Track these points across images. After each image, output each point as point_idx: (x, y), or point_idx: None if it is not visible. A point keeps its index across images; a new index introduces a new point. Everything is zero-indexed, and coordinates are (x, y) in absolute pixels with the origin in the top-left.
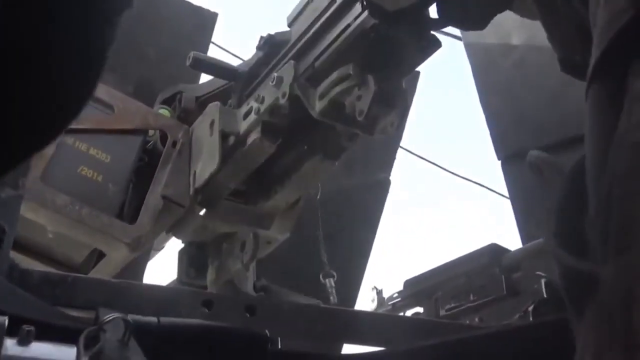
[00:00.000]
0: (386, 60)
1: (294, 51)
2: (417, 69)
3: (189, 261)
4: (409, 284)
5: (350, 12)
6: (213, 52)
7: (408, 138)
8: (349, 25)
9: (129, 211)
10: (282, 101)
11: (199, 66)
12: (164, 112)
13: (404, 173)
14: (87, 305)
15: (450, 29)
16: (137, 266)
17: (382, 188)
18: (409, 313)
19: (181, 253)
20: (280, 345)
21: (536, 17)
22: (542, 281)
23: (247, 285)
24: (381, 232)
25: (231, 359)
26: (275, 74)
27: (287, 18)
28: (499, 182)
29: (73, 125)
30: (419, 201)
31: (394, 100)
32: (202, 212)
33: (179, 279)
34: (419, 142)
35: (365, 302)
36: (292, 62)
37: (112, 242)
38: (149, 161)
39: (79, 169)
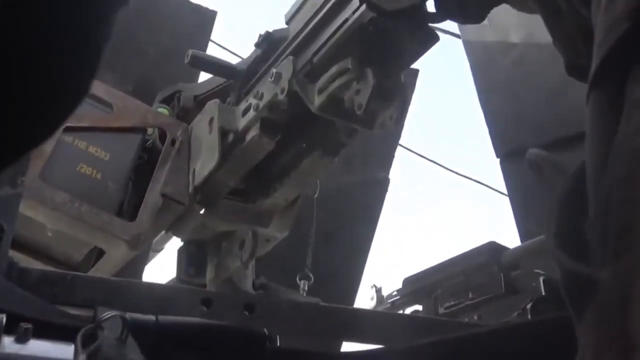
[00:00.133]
0: (384, 53)
1: (292, 47)
2: (416, 66)
3: (188, 259)
4: (408, 282)
5: (348, 7)
6: (212, 51)
7: (407, 136)
8: (346, 20)
9: (128, 209)
10: (281, 97)
11: (197, 64)
12: (163, 110)
13: (403, 171)
14: (86, 303)
15: (449, 27)
16: (136, 266)
17: (381, 186)
18: (408, 311)
19: (180, 251)
20: (279, 343)
21: (532, 10)
22: (541, 279)
23: (246, 284)
24: (380, 230)
25: (229, 357)
26: (274, 70)
27: (285, 16)
28: (498, 180)
29: (72, 124)
30: (418, 199)
31: (393, 94)
32: (201, 211)
33: (178, 277)
34: (417, 141)
35: (364, 300)
36: (290, 57)
37: (111, 239)
38: (148, 159)
39: (78, 167)
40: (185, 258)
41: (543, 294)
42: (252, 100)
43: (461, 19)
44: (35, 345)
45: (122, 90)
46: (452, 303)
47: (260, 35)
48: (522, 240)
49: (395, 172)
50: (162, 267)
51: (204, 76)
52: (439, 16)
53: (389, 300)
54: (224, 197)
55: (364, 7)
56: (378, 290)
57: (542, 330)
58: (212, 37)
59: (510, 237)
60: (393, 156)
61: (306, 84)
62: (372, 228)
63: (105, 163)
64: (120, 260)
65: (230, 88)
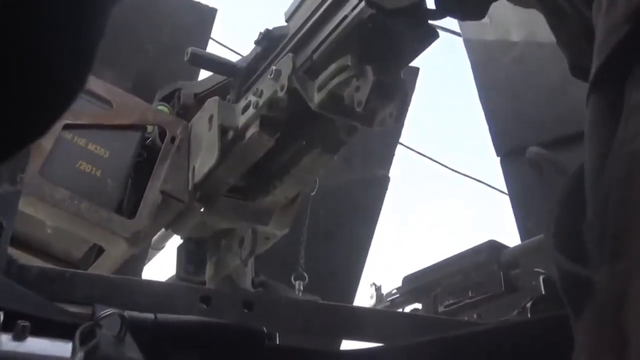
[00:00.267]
0: (384, 51)
1: (292, 44)
2: (417, 65)
3: (188, 257)
4: (407, 280)
5: (347, 4)
6: (212, 48)
7: (407, 134)
8: (346, 17)
9: (127, 206)
10: (281, 94)
11: (197, 62)
12: (163, 108)
13: (403, 170)
14: (85, 300)
15: (450, 25)
16: (136, 264)
17: (381, 184)
18: (408, 309)
19: (180, 249)
20: (279, 341)
21: (529, 5)
22: (541, 278)
23: (245, 281)
24: (380, 229)
25: (228, 355)
26: (274, 67)
27: (285, 14)
28: (498, 179)
29: (72, 121)
30: (418, 198)
31: (393, 91)
32: (201, 209)
33: (178, 275)
34: (418, 139)
35: (363, 298)
36: (290, 54)
37: (111, 237)
38: (148, 157)
39: (77, 164)
40: (185, 256)
41: (543, 292)
42: (251, 98)
43: (460, 16)
44: (33, 343)
45: (122, 88)
46: (451, 301)
47: (260, 33)
48: (522, 239)
49: (395, 171)
50: (162, 265)
51: (204, 74)
52: (439, 13)
53: (389, 299)
54: (224, 194)
55: (363, 3)
56: (377, 289)
57: (541, 328)
58: (212, 35)
59: (510, 236)
60: (393, 154)
61: (306, 81)
62: (371, 226)
63: (104, 160)
64: (120, 258)
65: (230, 86)
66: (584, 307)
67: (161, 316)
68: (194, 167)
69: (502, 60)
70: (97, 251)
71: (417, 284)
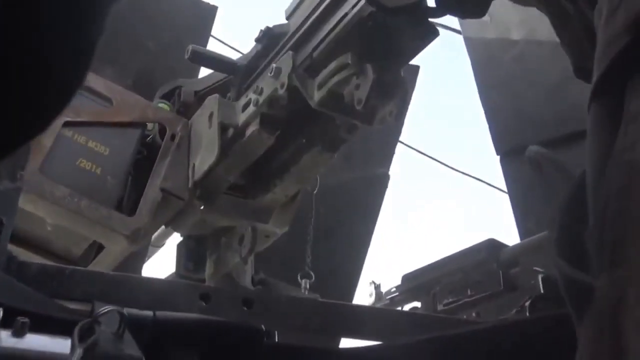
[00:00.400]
0: (384, 48)
1: (292, 42)
2: (417, 63)
3: (188, 254)
4: (406, 278)
5: (347, 2)
6: (213, 46)
7: (407, 133)
8: (346, 15)
9: (127, 204)
10: (281, 92)
11: (197, 59)
12: (163, 106)
13: (403, 168)
14: (84, 297)
15: (450, 23)
16: (136, 261)
17: (381, 182)
18: (407, 308)
19: (180, 246)
20: (278, 339)
21: (529, 3)
22: (539, 277)
23: (245, 279)
24: (380, 227)
25: (227, 353)
26: (274, 65)
27: (285, 11)
28: (498, 178)
29: (72, 118)
30: (418, 196)
31: (393, 89)
32: (201, 206)
33: (177, 272)
34: (418, 138)
35: (363, 296)
36: (290, 52)
37: (110, 234)
38: (148, 154)
39: (77, 162)
40: (185, 253)
41: (541, 291)
42: (252, 96)
43: (461, 14)
44: (32, 339)
45: (122, 85)
46: (450, 300)
47: (261, 31)
48: (521, 238)
49: (395, 169)
50: (161, 263)
51: (204, 71)
52: (439, 11)
53: (388, 297)
54: (224, 192)
55: (363, 1)
56: (377, 287)
57: (540, 327)
58: (212, 33)
59: (509, 235)
60: (393, 152)
61: (306, 79)
62: (371, 224)
63: (104, 158)
64: (120, 255)
65: (230, 83)
66: (585, 313)
67: (160, 314)
68: (194, 165)
69: (503, 58)
70: (97, 248)
71: (416, 283)
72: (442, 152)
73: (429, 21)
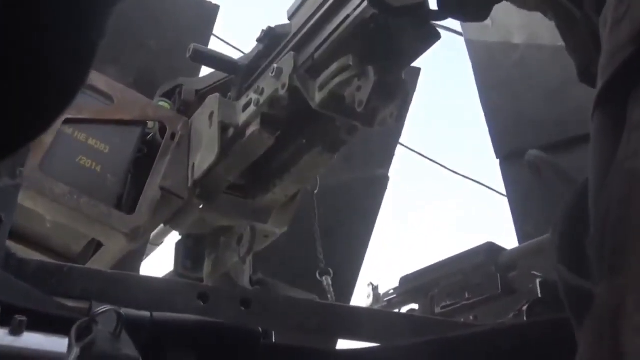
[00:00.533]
0: (386, 51)
1: (293, 43)
2: (418, 65)
3: (186, 253)
4: (405, 280)
5: (350, 3)
6: (214, 45)
7: (407, 135)
8: (348, 16)
9: (127, 202)
10: (282, 92)
11: (198, 58)
12: (164, 104)
13: (403, 170)
14: (82, 295)
15: (452, 25)
16: (134, 259)
17: (380, 184)
18: (405, 310)
19: (178, 245)
20: (275, 339)
21: (532, 8)
22: (538, 281)
23: (243, 279)
24: (378, 228)
25: (224, 354)
26: (275, 65)
27: (288, 12)
28: (498, 181)
29: (72, 116)
30: (417, 198)
31: (394, 91)
32: (200, 205)
33: (176, 271)
34: (417, 140)
35: (360, 298)
36: (292, 53)
37: (110, 232)
38: (148, 152)
39: (77, 159)
40: (183, 252)
41: (539, 295)
42: (252, 96)
43: (463, 17)
44: (29, 338)
45: (123, 83)
46: (448, 303)
47: (263, 31)
48: (520, 242)
49: (395, 171)
50: (160, 261)
51: (205, 71)
52: (441, 14)
53: (386, 299)
54: (223, 192)
55: (365, 3)
56: (375, 288)
57: (537, 331)
58: (214, 32)
59: (508, 238)
60: (393, 154)
61: (307, 79)
62: (370, 225)
63: (104, 155)
64: (119, 253)
65: (231, 83)
66: (585, 318)
67: (157, 314)
68: (194, 164)
69: (504, 62)
70: (96, 246)
71: (414, 285)
72: (441, 154)
73: (431, 24)
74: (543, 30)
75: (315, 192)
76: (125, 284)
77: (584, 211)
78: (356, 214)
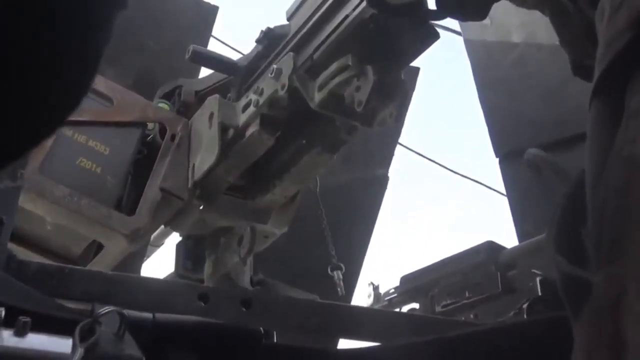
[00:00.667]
0: (385, 51)
1: (293, 43)
2: (417, 65)
3: (187, 254)
4: (405, 280)
5: (349, 3)
6: (213, 46)
7: (406, 135)
8: (347, 16)
9: (127, 203)
10: (281, 93)
11: (198, 59)
12: (163, 105)
13: (402, 170)
14: (83, 297)
15: (451, 25)
16: (135, 260)
17: (380, 184)
18: (405, 309)
19: (179, 246)
20: (276, 340)
21: (531, 7)
22: (538, 279)
23: (243, 279)
24: (378, 228)
25: (225, 355)
26: (274, 66)
27: (287, 12)
28: (497, 180)
29: (72, 117)
30: (417, 197)
31: (393, 91)
32: (200, 206)
33: (176, 272)
34: (416, 140)
35: (361, 297)
36: (291, 53)
37: (110, 233)
38: (148, 154)
39: (77, 161)
40: (184, 253)
41: (539, 294)
42: (252, 96)
43: (461, 17)
44: (34, 339)
45: (123, 85)
46: (449, 302)
47: (262, 32)
48: (519, 240)
49: (395, 170)
50: (160, 262)
51: (204, 72)
52: (440, 13)
53: (386, 298)
54: (223, 192)
55: (364, 3)
56: (375, 288)
57: (537, 330)
58: (213, 33)
59: (508, 237)
60: (392, 154)
61: (306, 80)
62: (370, 225)
63: (104, 157)
64: (119, 254)
65: (230, 84)
66: (583, 308)
67: (159, 316)
68: (193, 165)
69: (503, 61)
70: (97, 247)
71: (414, 284)
72: (441, 154)
73: (429, 23)
74: (542, 29)
75: (317, 191)
76: (125, 285)
77: (581, 201)
78: (356, 214)
